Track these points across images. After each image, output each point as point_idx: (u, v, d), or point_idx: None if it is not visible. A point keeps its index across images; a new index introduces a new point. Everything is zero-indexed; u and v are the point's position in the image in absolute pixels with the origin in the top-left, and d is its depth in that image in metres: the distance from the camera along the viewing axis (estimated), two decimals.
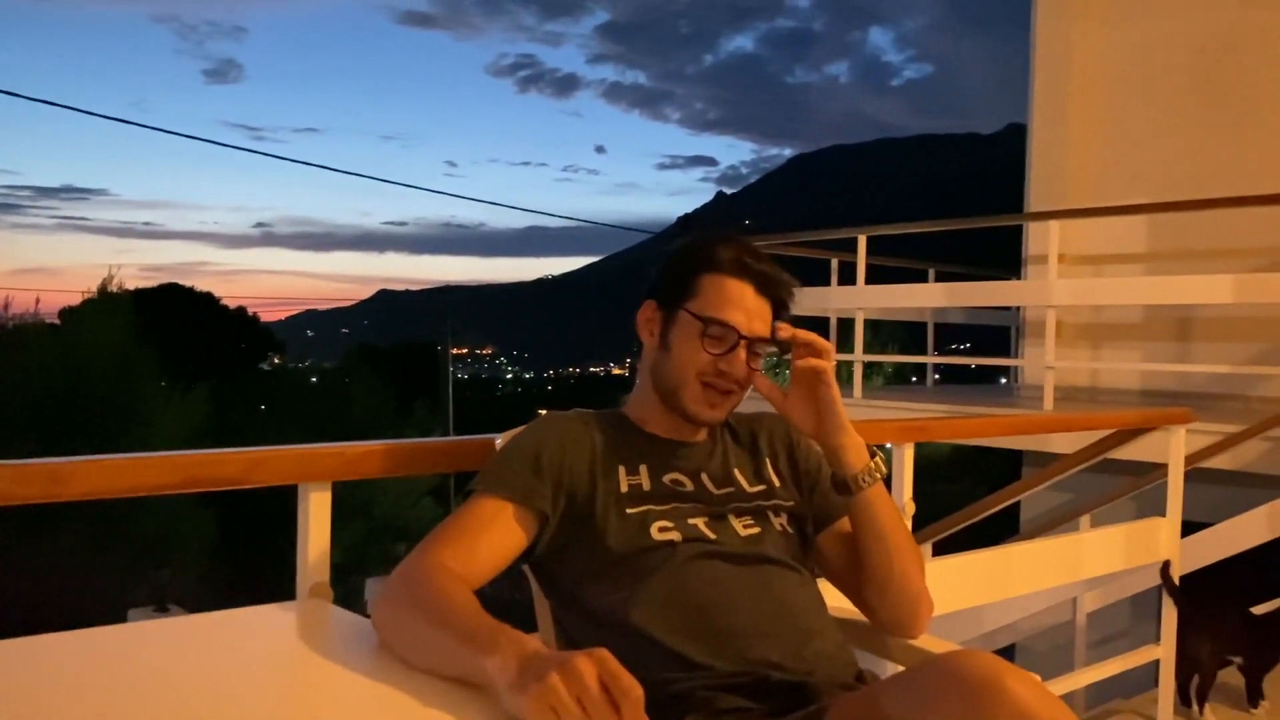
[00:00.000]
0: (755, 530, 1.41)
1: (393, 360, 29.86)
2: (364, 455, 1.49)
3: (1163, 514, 2.94)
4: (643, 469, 1.41)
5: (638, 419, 1.49)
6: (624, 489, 1.38)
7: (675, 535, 1.35)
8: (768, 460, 1.53)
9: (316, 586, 1.42)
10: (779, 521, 1.45)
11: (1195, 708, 3.12)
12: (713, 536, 1.37)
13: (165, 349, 16.43)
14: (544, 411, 1.47)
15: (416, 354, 31.77)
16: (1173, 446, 2.95)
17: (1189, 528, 3.44)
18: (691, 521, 1.38)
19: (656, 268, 1.49)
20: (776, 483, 1.51)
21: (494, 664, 0.98)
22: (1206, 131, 6.33)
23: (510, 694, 0.95)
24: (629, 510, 1.36)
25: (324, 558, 1.44)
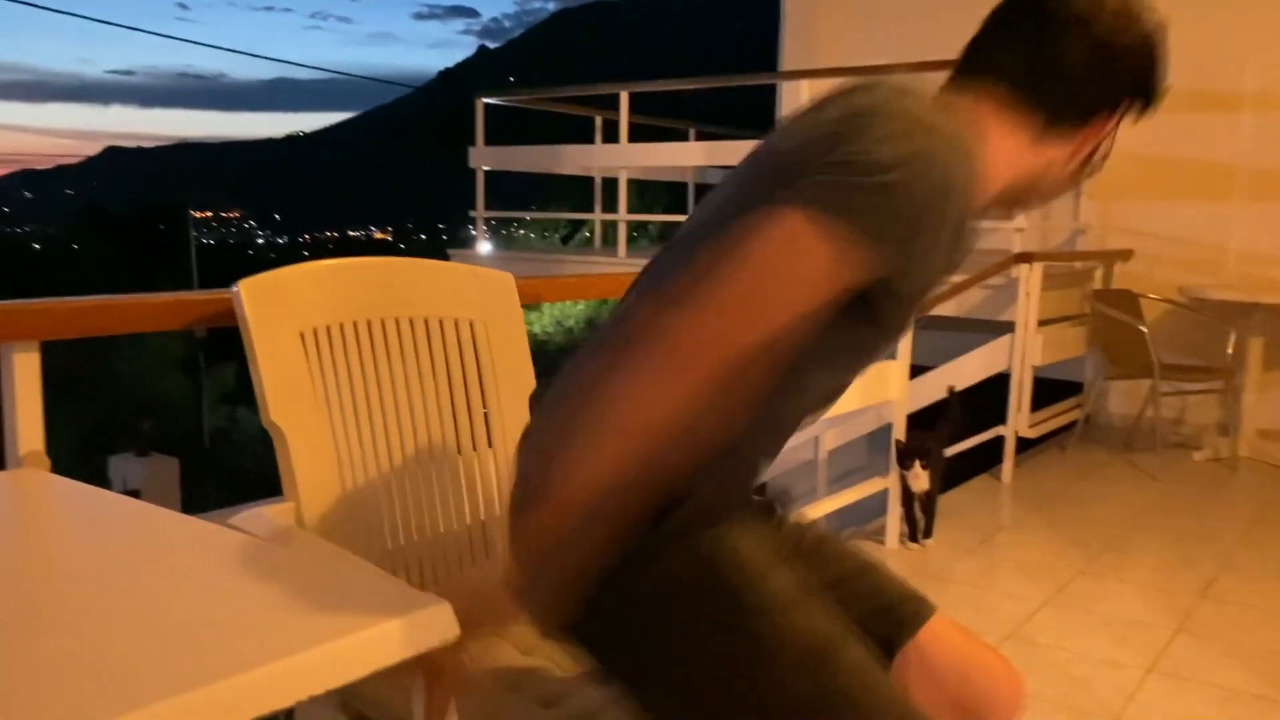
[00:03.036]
0: None
1: (128, 225, 27.52)
2: (77, 311, 1.37)
3: (894, 358, 3.19)
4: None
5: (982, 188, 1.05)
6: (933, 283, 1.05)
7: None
8: None
9: (30, 455, 1.31)
10: None
11: (918, 533, 3.50)
12: None
13: None
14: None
15: (155, 217, 29.39)
16: None
17: (917, 370, 3.76)
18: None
19: (1134, 63, 1.04)
20: None
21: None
22: None
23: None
24: (908, 309, 1.06)
25: (36, 425, 1.32)
